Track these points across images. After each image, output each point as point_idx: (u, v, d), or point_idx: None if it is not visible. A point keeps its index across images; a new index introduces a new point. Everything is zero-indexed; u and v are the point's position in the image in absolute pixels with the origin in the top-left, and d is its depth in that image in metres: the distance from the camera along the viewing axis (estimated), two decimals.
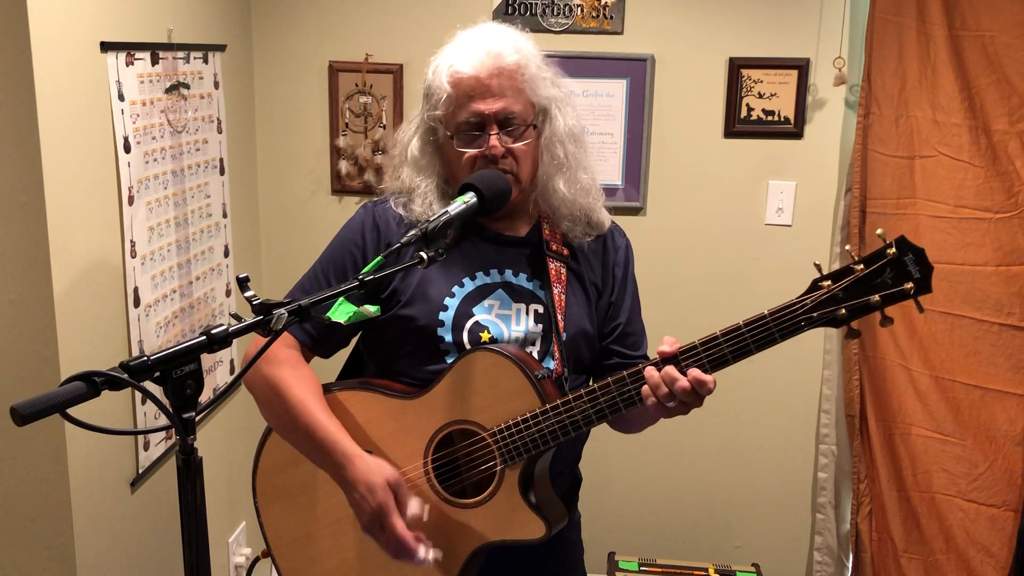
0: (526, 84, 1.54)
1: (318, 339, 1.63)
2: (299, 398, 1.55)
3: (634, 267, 1.73)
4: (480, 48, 1.53)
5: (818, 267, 1.35)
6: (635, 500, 3.01)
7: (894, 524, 2.75)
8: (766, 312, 1.37)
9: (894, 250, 1.28)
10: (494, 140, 1.51)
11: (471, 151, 1.53)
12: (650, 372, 1.42)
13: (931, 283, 1.28)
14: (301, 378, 1.58)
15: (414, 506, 1.48)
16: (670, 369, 1.40)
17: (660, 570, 2.82)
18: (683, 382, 1.39)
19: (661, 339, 1.45)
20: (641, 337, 1.73)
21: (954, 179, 2.54)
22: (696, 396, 1.40)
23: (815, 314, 1.33)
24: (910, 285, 1.28)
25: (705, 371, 1.39)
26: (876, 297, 1.29)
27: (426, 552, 1.47)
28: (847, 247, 1.37)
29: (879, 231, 1.31)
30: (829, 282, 1.33)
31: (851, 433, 2.79)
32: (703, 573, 2.82)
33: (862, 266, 1.30)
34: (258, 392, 1.61)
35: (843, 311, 1.31)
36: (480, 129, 1.52)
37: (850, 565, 2.89)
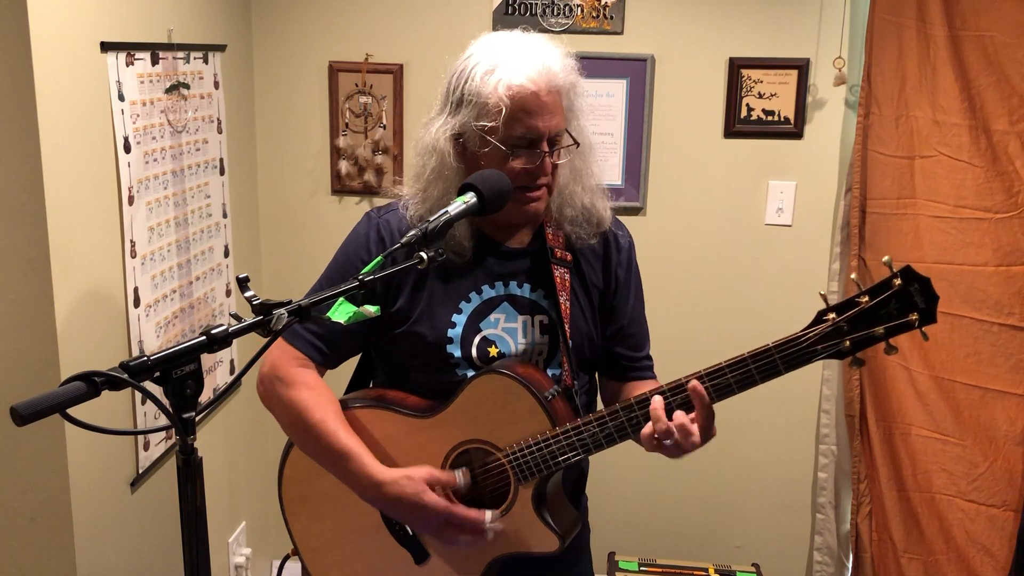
0: (568, 103, 1.57)
1: (328, 354, 1.63)
2: (320, 419, 1.56)
3: (637, 264, 1.73)
4: (537, 62, 1.50)
5: (824, 298, 1.36)
6: (635, 500, 3.01)
7: (894, 524, 2.75)
8: (771, 344, 1.38)
9: (899, 280, 1.28)
10: (548, 159, 1.53)
11: (519, 165, 1.51)
12: (655, 402, 1.43)
13: (936, 313, 1.28)
14: (320, 398, 1.59)
15: (459, 478, 1.53)
16: (677, 412, 1.42)
17: (660, 570, 2.82)
18: (670, 423, 1.41)
19: (656, 344, 1.46)
20: (644, 338, 1.74)
21: (954, 179, 2.54)
22: (686, 438, 1.41)
23: (820, 347, 1.34)
24: (915, 316, 1.28)
25: (712, 399, 1.41)
26: (881, 329, 1.30)
27: (491, 515, 1.51)
28: (852, 276, 1.37)
29: (885, 259, 1.30)
30: (834, 315, 1.33)
31: (851, 433, 2.79)
32: (703, 573, 2.82)
33: (867, 298, 1.31)
34: (279, 412, 1.62)
35: (847, 343, 1.32)
36: (530, 144, 1.51)
37: (850, 565, 2.89)
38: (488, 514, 1.50)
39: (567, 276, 1.62)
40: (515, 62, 1.49)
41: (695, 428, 1.41)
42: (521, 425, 1.52)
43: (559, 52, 1.55)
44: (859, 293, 1.32)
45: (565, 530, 1.57)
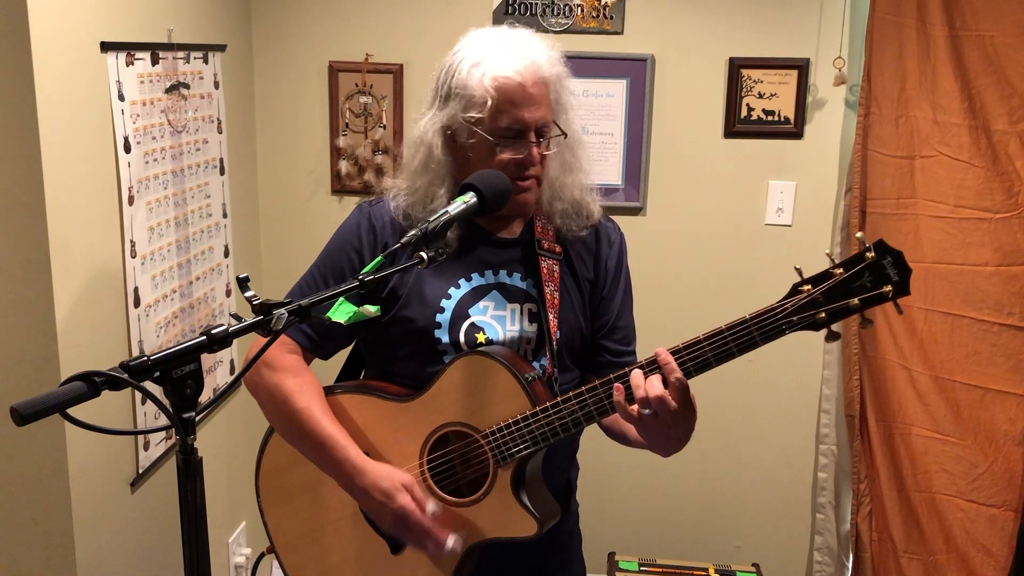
0: (555, 95, 1.57)
1: (317, 341, 1.64)
2: (304, 406, 1.57)
3: (627, 261, 1.74)
4: (522, 54, 1.52)
5: (799, 271, 1.37)
6: (635, 500, 3.01)
7: (894, 524, 2.75)
8: (747, 316, 1.39)
9: (872, 254, 1.30)
10: (535, 149, 1.54)
11: (507, 156, 1.53)
12: (635, 375, 1.42)
13: (909, 285, 1.30)
14: (305, 385, 1.60)
15: (431, 505, 1.52)
16: (653, 379, 1.40)
17: (660, 570, 2.82)
18: (656, 391, 1.38)
19: (656, 343, 1.46)
20: (631, 332, 1.74)
21: (954, 179, 2.54)
22: (666, 409, 1.39)
23: (795, 318, 1.35)
24: (888, 288, 1.30)
25: (689, 375, 1.40)
26: (855, 300, 1.31)
27: (454, 540, 1.50)
28: (827, 252, 1.39)
29: (859, 234, 1.33)
30: (809, 286, 1.34)
31: (851, 433, 2.79)
32: (703, 573, 2.82)
33: (841, 270, 1.32)
34: (263, 398, 1.62)
35: (823, 314, 1.33)
36: (517, 135, 1.53)
37: (850, 565, 2.89)
38: (451, 539, 1.50)
39: (556, 268, 1.63)
40: (501, 54, 1.52)
41: (670, 399, 1.39)
42: (501, 406, 1.52)
43: (544, 45, 1.57)
44: (833, 265, 1.33)
45: (544, 515, 1.56)
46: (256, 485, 1.72)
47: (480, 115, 1.51)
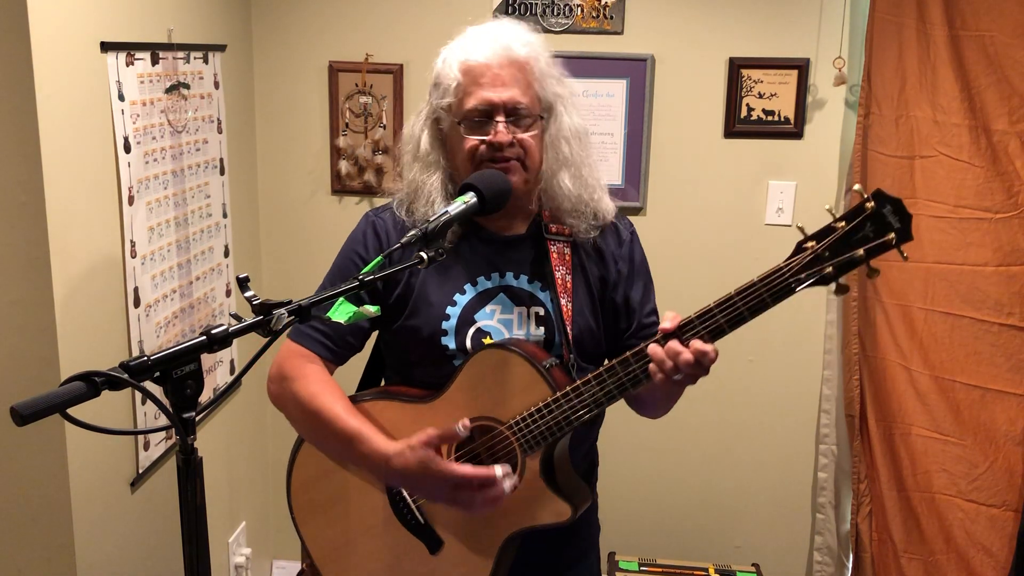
0: (534, 78, 1.57)
1: (335, 349, 1.65)
2: (326, 405, 1.57)
3: (642, 254, 1.73)
4: (492, 38, 1.55)
5: (801, 229, 1.38)
6: (635, 500, 3.01)
7: (894, 524, 2.75)
8: (756, 279, 1.39)
9: (872, 203, 1.30)
10: (501, 128, 1.52)
11: (476, 138, 1.53)
12: (653, 349, 1.43)
13: (911, 231, 1.29)
14: (328, 387, 1.60)
15: (459, 428, 1.46)
16: (673, 343, 1.42)
17: (660, 570, 2.82)
18: (686, 355, 1.40)
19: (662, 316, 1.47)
20: (659, 323, 1.74)
21: (954, 179, 2.54)
22: (699, 366, 1.41)
23: (803, 275, 1.35)
24: (891, 235, 1.30)
25: (705, 342, 1.41)
26: (861, 251, 1.32)
27: (502, 470, 1.44)
28: (827, 207, 1.39)
29: (856, 186, 1.33)
30: (814, 243, 1.35)
31: (851, 433, 2.79)
32: (703, 573, 2.82)
33: (843, 223, 1.33)
34: (290, 408, 1.63)
35: (830, 269, 1.33)
36: (488, 117, 1.53)
37: (850, 565, 2.89)
38: (497, 468, 1.45)
39: (566, 250, 1.62)
40: (473, 40, 1.56)
41: (707, 347, 1.40)
42: (523, 396, 1.52)
43: (522, 30, 1.58)
44: (835, 220, 1.33)
45: (576, 498, 1.57)
46: (288, 502, 1.72)
47: (450, 100, 1.54)
